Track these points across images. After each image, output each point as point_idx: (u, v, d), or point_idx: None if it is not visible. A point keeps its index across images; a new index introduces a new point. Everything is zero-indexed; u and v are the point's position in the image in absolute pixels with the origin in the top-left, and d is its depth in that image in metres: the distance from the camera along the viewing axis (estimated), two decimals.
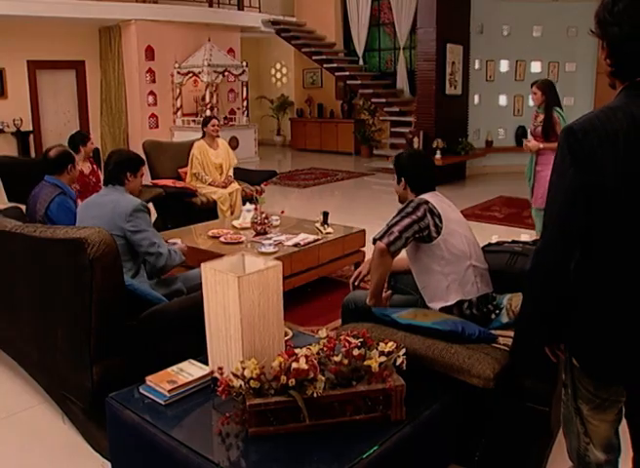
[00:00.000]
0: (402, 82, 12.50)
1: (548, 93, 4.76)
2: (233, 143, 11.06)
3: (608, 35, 1.46)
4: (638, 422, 1.70)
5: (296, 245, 4.16)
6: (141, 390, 2.13)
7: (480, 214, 7.29)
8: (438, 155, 8.94)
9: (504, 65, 10.28)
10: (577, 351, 1.59)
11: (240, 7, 12.75)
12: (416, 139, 9.23)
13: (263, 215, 4.48)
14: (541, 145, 4.77)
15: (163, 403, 2.05)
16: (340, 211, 7.25)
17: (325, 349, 1.94)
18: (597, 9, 1.50)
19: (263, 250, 3.99)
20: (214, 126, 5.98)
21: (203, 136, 6.06)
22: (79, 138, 4.96)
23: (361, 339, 1.97)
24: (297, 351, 1.89)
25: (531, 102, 10.37)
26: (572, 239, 1.47)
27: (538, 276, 1.55)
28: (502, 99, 10.39)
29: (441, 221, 2.55)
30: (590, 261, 1.49)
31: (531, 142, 4.86)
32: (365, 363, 1.90)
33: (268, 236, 4.35)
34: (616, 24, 1.43)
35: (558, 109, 4.70)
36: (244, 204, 5.21)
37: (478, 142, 10.18)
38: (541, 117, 4.80)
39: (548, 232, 1.51)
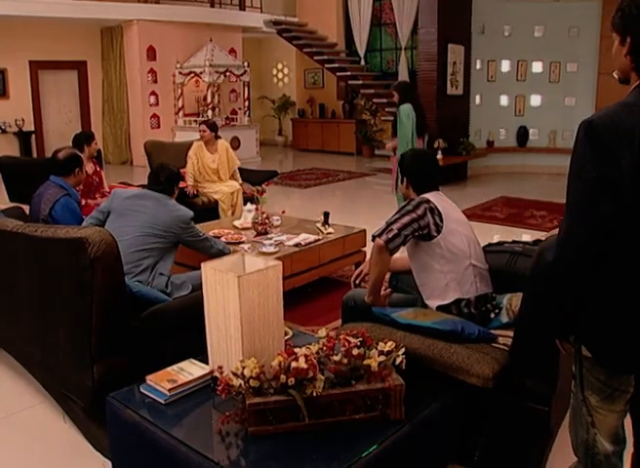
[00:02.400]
0: None
1: (401, 93, 5.52)
2: (235, 143, 11.08)
3: (632, 30, 1.46)
4: (636, 410, 1.72)
5: (296, 245, 4.17)
6: (142, 389, 2.14)
7: (481, 215, 7.29)
8: (439, 155, 8.94)
9: (506, 65, 10.29)
10: (589, 340, 1.60)
11: (242, 7, 12.76)
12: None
13: (264, 216, 4.49)
14: (389, 145, 5.78)
15: (163, 402, 2.06)
16: (342, 211, 7.25)
17: (324, 348, 1.95)
18: (622, 1, 1.49)
19: (264, 250, 4.00)
20: (199, 131, 6.01)
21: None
22: (84, 138, 4.96)
23: (360, 339, 1.98)
24: (296, 350, 1.90)
25: (532, 103, 10.47)
26: (596, 231, 1.46)
27: (559, 268, 1.54)
28: (504, 100, 10.40)
29: (442, 220, 2.55)
30: (604, 255, 1.50)
31: (389, 144, 5.85)
32: (364, 362, 1.90)
33: (269, 236, 4.36)
34: None
35: (402, 107, 5.42)
36: (245, 204, 5.22)
37: (479, 143, 10.18)
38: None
39: (569, 225, 1.51)
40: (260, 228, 4.44)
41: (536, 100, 10.41)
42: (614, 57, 1.56)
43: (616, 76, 1.58)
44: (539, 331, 1.78)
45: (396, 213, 2.58)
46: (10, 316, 3.10)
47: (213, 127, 6.05)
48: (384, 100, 11.77)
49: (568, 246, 1.51)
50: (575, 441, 1.76)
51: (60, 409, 2.80)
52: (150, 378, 2.14)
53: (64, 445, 2.62)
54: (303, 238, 4.28)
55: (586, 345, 1.61)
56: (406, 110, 5.41)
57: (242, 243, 4.22)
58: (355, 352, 1.91)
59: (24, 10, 9.41)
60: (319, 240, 4.31)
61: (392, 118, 11.28)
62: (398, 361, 1.98)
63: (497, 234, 6.25)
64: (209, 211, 5.68)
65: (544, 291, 1.64)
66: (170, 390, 2.07)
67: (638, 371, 1.62)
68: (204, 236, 3.44)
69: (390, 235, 2.45)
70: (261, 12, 13.07)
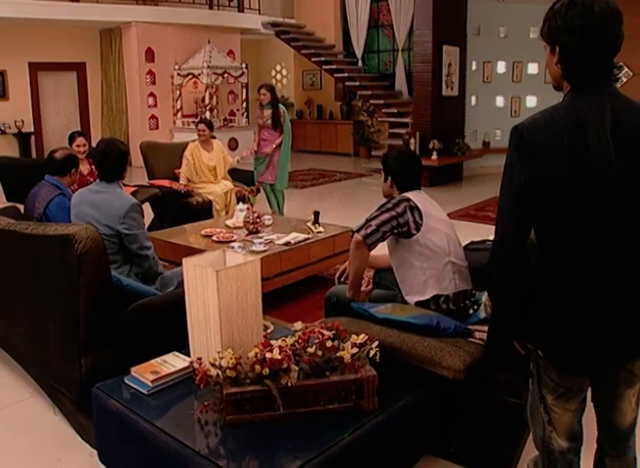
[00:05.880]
0: (401, 83, 12.59)
1: (272, 94, 6.18)
2: (233, 144, 11.16)
3: (559, 40, 1.52)
4: (601, 411, 1.76)
5: (286, 244, 4.24)
6: (126, 380, 2.22)
7: (474, 215, 7.35)
8: (434, 156, 9.01)
9: (501, 67, 10.35)
10: (541, 343, 1.64)
11: (240, 9, 12.85)
12: (412, 141, 9.30)
13: (255, 215, 4.56)
14: (240, 158, 6.53)
15: (146, 392, 2.14)
16: (338, 211, 7.33)
17: (300, 341, 2.02)
18: (547, 14, 1.56)
19: (254, 248, 4.07)
20: (199, 131, 6.11)
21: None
22: (70, 137, 5.03)
23: (334, 332, 2.05)
24: (272, 342, 1.97)
25: (528, 104, 10.53)
26: (521, 231, 1.53)
27: (495, 267, 1.61)
28: (499, 101, 10.47)
29: (421, 218, 2.62)
30: (548, 257, 1.55)
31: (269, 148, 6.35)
32: (338, 354, 1.97)
33: (260, 235, 4.44)
34: (568, 30, 1.50)
35: (282, 107, 6.33)
36: (238, 203, 5.30)
37: (475, 143, 10.24)
38: (268, 112, 6.22)
39: (500, 226, 1.58)
40: (251, 227, 4.51)
41: (531, 101, 10.47)
42: (546, 65, 1.62)
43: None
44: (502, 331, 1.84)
45: (376, 210, 2.65)
46: (5, 313, 3.17)
47: (210, 125, 6.26)
48: (382, 102, 11.85)
49: (499, 246, 1.59)
50: (534, 436, 1.81)
51: (50, 401, 2.88)
52: (134, 370, 2.22)
53: (54, 436, 2.69)
54: (293, 237, 4.35)
55: (539, 346, 1.66)
56: (285, 110, 6.34)
57: (233, 241, 4.29)
58: (329, 344, 1.98)
59: (24, 12, 9.52)
60: (309, 239, 4.38)
61: (393, 120, 11.58)
62: (372, 353, 2.05)
63: (491, 234, 6.30)
64: (203, 211, 5.76)
65: (489, 290, 1.71)
66: (153, 381, 2.15)
67: (589, 373, 1.66)
68: (142, 236, 3.09)
69: (369, 231, 2.52)
70: (260, 13, 13.15)
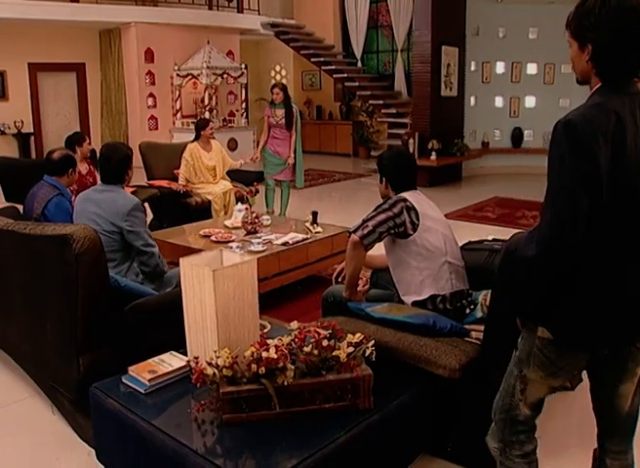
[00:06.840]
0: (400, 84, 12.59)
1: (286, 93, 6.32)
2: (232, 145, 11.16)
3: (593, 39, 1.53)
4: (604, 397, 1.78)
5: (284, 244, 4.25)
6: (124, 380, 2.23)
7: (473, 215, 7.36)
8: (433, 156, 9.03)
9: (500, 67, 10.36)
10: (552, 323, 1.63)
11: (239, 9, 12.85)
12: (411, 141, 9.31)
13: (254, 215, 4.57)
14: (244, 162, 6.45)
15: (143, 392, 2.15)
16: (337, 211, 7.34)
17: (296, 340, 2.03)
18: (576, 11, 1.56)
19: (253, 248, 4.08)
20: (212, 129, 6.12)
21: (196, 139, 6.14)
22: (75, 139, 5.05)
23: (330, 331, 2.06)
24: (269, 342, 1.98)
25: (527, 104, 10.54)
26: (580, 223, 1.48)
27: (543, 262, 1.54)
28: (498, 101, 10.48)
29: (418, 218, 2.63)
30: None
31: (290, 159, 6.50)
32: (334, 353, 1.98)
33: (258, 235, 4.45)
34: (602, 29, 1.51)
35: (294, 105, 6.49)
36: (237, 204, 5.31)
37: (474, 144, 10.26)
38: (281, 112, 6.31)
39: (556, 220, 1.51)
40: (249, 227, 4.52)
41: (530, 102, 10.49)
42: (572, 61, 1.62)
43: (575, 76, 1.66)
44: (509, 320, 1.82)
45: (373, 210, 2.67)
46: (3, 313, 3.18)
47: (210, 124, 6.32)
48: (381, 102, 11.85)
49: (553, 240, 1.51)
50: (496, 403, 1.83)
51: (48, 401, 2.89)
52: (132, 369, 2.23)
53: (52, 435, 2.70)
54: (292, 237, 4.36)
55: (548, 327, 1.64)
56: (297, 109, 6.48)
57: (232, 242, 4.30)
58: (325, 343, 1.99)
59: (24, 13, 9.52)
60: (307, 239, 4.39)
61: (393, 120, 11.60)
62: (368, 352, 2.06)
63: (490, 234, 6.30)
64: (202, 211, 5.77)
65: (520, 283, 1.65)
66: (150, 380, 2.16)
67: (593, 349, 1.67)
68: (145, 234, 3.14)
69: (365, 231, 2.53)
70: (259, 14, 13.15)
